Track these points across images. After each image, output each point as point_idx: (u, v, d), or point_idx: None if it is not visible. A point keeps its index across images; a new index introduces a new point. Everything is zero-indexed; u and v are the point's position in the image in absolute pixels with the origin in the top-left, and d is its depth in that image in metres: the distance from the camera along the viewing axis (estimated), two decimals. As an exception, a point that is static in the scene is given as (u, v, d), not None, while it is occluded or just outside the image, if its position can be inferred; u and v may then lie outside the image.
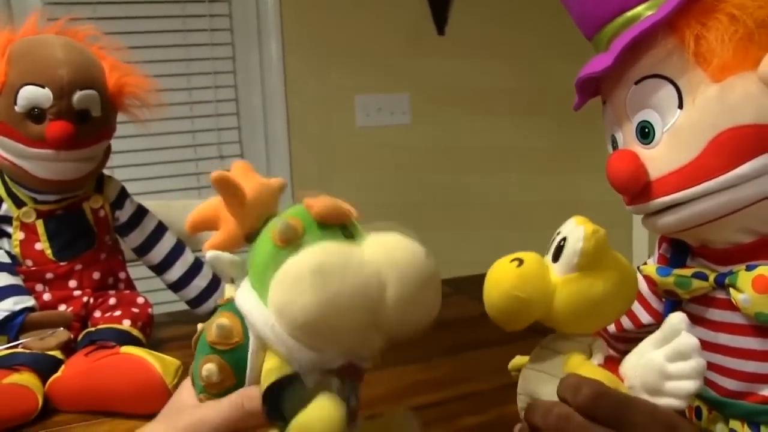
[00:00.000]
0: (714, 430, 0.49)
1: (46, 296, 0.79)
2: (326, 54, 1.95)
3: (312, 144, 1.98)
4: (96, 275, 0.82)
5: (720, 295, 0.46)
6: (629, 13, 0.45)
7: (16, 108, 0.74)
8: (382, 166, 2.05)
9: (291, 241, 0.39)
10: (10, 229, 0.79)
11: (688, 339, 0.36)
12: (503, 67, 2.14)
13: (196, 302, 0.92)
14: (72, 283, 0.81)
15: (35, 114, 0.74)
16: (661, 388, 0.36)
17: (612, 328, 0.59)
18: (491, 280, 0.42)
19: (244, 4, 1.87)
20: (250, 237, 0.43)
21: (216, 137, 1.89)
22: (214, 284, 0.92)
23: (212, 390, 0.41)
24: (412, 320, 0.40)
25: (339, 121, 2.00)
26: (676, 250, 0.51)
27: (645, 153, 0.45)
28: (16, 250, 0.79)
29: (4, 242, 0.80)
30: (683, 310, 0.49)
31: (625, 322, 0.58)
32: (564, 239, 0.41)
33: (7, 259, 0.78)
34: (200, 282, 0.91)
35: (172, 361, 0.68)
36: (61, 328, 0.72)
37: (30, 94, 0.74)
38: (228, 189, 0.41)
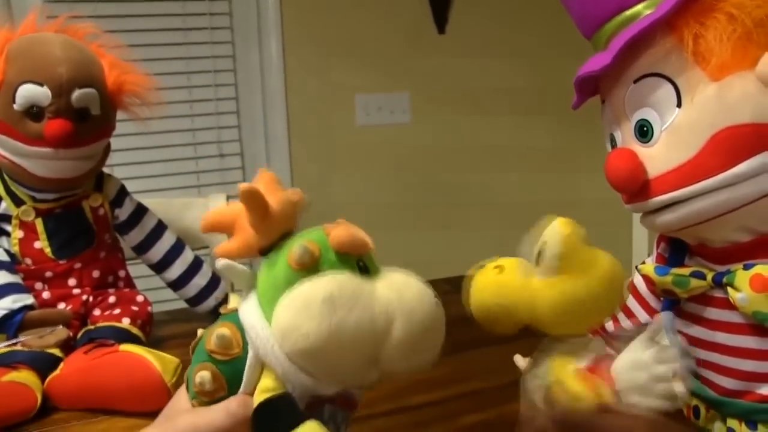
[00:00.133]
0: (712, 429, 0.49)
1: (46, 294, 0.79)
2: (326, 52, 1.95)
3: (312, 143, 1.98)
4: (95, 273, 0.82)
5: (718, 294, 0.46)
6: (628, 12, 0.45)
7: (15, 106, 0.74)
8: (382, 164, 2.05)
9: (306, 266, 0.39)
10: (9, 228, 0.79)
11: (673, 341, 0.36)
12: (503, 66, 2.14)
13: (195, 301, 0.92)
14: (71, 282, 0.81)
15: (34, 112, 0.74)
16: (650, 389, 0.37)
17: (611, 327, 0.59)
18: (474, 289, 0.42)
19: (244, 3, 1.87)
20: (264, 250, 0.43)
21: (216, 135, 1.89)
22: (214, 283, 0.92)
23: (204, 398, 0.41)
24: (412, 361, 0.41)
25: (339, 119, 2.00)
26: (675, 250, 0.51)
27: (643, 151, 0.45)
28: (15, 249, 0.79)
29: (3, 241, 0.80)
30: (681, 310, 0.50)
31: (624, 321, 0.58)
32: (545, 243, 0.41)
33: (6, 258, 0.78)
34: (200, 280, 0.91)
35: (171, 359, 0.68)
36: (60, 326, 0.72)
37: (29, 93, 0.74)
38: (254, 202, 0.41)
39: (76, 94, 0.75)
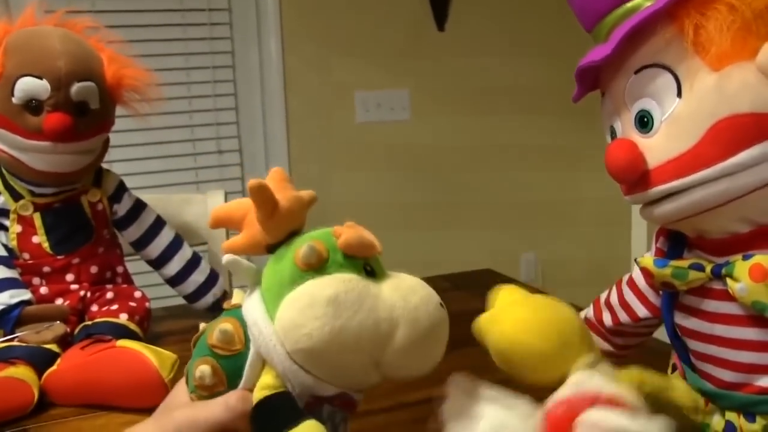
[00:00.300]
0: (710, 422, 0.49)
1: (43, 290, 0.79)
2: (326, 49, 1.95)
3: (311, 139, 1.98)
4: (93, 269, 0.82)
5: (716, 285, 0.46)
6: (629, 5, 0.45)
7: (14, 99, 0.74)
8: (381, 161, 2.05)
9: (312, 266, 0.39)
10: (7, 222, 0.79)
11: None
12: (503, 63, 2.14)
13: (193, 297, 0.92)
14: (69, 277, 0.81)
15: (33, 106, 0.74)
16: None
17: (609, 322, 0.59)
18: None
19: None
20: (271, 248, 0.42)
21: (215, 132, 1.89)
22: (212, 279, 0.92)
23: (203, 392, 0.41)
24: (414, 366, 0.41)
25: (338, 116, 2.00)
26: (673, 243, 0.51)
27: (643, 142, 0.45)
28: (13, 243, 0.79)
29: (1, 235, 0.80)
30: (679, 303, 0.50)
31: (622, 316, 0.57)
32: None
33: (3, 252, 0.78)
34: (198, 277, 0.91)
35: (168, 355, 0.68)
36: (58, 322, 0.72)
37: (27, 86, 0.73)
38: (263, 198, 0.41)
39: (75, 87, 0.75)
